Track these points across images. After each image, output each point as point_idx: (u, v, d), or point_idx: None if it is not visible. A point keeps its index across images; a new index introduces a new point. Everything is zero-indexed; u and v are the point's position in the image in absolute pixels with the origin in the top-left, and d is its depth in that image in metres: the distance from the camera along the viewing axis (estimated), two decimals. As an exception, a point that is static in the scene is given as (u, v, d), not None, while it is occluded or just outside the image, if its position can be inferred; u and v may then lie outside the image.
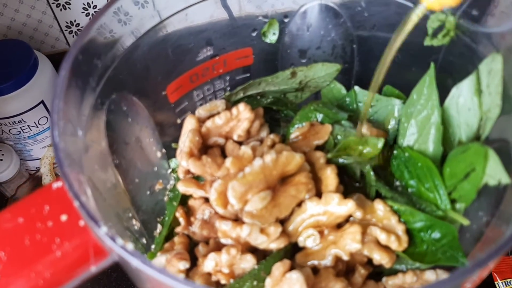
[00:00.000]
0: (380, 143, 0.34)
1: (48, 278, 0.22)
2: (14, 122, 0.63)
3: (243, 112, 0.37)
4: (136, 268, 0.19)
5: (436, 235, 0.32)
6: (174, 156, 0.41)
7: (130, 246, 0.19)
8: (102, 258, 0.23)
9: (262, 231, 0.32)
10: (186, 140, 0.36)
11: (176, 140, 0.39)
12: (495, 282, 0.57)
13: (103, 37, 0.30)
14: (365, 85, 0.39)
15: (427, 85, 0.33)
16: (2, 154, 0.66)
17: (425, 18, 0.34)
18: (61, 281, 0.22)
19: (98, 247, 0.22)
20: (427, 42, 0.34)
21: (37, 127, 0.65)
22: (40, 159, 0.69)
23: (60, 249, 0.22)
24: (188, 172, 0.37)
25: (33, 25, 0.71)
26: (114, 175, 0.31)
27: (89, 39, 0.29)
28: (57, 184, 0.24)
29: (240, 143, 0.39)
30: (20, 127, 0.64)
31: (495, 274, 0.57)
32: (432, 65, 0.33)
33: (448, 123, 0.33)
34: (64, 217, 0.23)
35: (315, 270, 0.33)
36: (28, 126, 0.64)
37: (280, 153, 0.32)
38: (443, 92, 0.34)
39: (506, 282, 0.57)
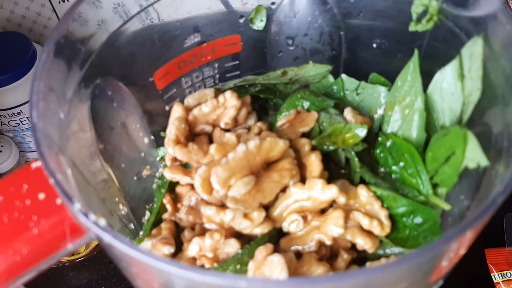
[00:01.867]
0: (363, 131, 0.34)
1: (25, 255, 0.22)
2: (13, 113, 0.64)
3: (229, 99, 0.37)
4: (109, 245, 0.20)
5: (418, 220, 0.32)
6: (163, 144, 0.41)
7: (102, 221, 0.19)
8: (79, 236, 0.23)
9: (245, 216, 0.32)
10: (172, 128, 0.36)
11: (165, 128, 0.40)
12: (491, 274, 0.57)
13: (86, 22, 0.30)
14: (352, 73, 0.39)
15: (410, 71, 0.33)
16: (2, 146, 0.67)
17: (409, 3, 0.34)
18: (38, 257, 0.22)
19: (75, 225, 0.23)
20: (412, 27, 0.34)
21: None
22: None
23: (37, 227, 0.22)
24: (175, 159, 0.37)
25: (32, 18, 0.72)
26: (100, 160, 0.32)
27: (72, 22, 0.29)
28: (36, 164, 0.24)
29: (227, 131, 0.39)
30: (19, 119, 0.65)
31: (491, 266, 0.57)
32: (416, 51, 0.33)
33: (432, 108, 0.33)
34: (42, 196, 0.23)
35: (299, 254, 0.33)
36: (27, 117, 0.65)
37: (263, 139, 0.32)
38: (429, 78, 0.34)
39: (502, 274, 0.57)
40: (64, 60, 0.29)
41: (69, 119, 0.28)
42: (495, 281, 0.56)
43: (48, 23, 0.73)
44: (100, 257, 0.66)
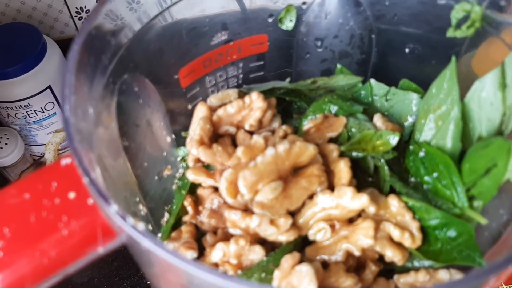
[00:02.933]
0: (395, 138, 0.33)
1: (53, 257, 0.21)
2: (21, 106, 0.63)
3: (255, 101, 0.36)
4: (147, 250, 0.19)
5: (452, 233, 0.31)
6: (183, 144, 0.40)
7: (141, 225, 0.18)
8: (110, 239, 0.22)
9: (272, 222, 0.32)
10: (196, 128, 0.35)
11: (186, 128, 0.39)
12: (500, 287, 0.56)
13: (117, 16, 0.30)
14: (381, 78, 0.39)
15: (447, 79, 0.32)
16: (7, 138, 0.66)
17: (449, 8, 0.33)
18: (66, 261, 0.21)
19: (107, 227, 0.22)
20: (450, 33, 0.34)
21: (43, 112, 0.65)
22: (45, 144, 0.69)
23: (67, 228, 0.21)
24: (198, 160, 0.36)
25: (43, 10, 0.71)
26: (123, 158, 0.31)
27: (104, 15, 0.28)
28: (66, 161, 0.24)
29: (251, 133, 0.38)
30: (26, 112, 0.64)
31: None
32: (453, 58, 0.32)
33: (468, 118, 0.33)
34: (72, 195, 0.22)
35: (325, 265, 0.33)
36: (35, 111, 0.64)
37: (293, 143, 0.32)
38: (464, 87, 0.33)
39: (512, 287, 0.56)
40: (94, 53, 0.28)
41: (97, 115, 0.28)
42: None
43: (59, 15, 0.72)
44: (104, 255, 0.65)
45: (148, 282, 0.62)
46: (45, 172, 0.23)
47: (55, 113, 0.66)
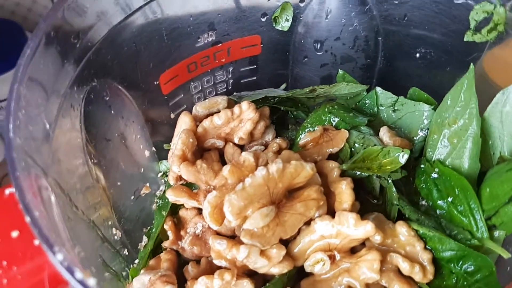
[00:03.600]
0: (405, 156, 0.30)
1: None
2: (2, 107, 0.59)
3: (246, 111, 0.33)
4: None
5: (469, 268, 0.27)
6: (166, 158, 0.37)
7: (91, 281, 0.15)
8: (61, 290, 0.18)
9: (262, 253, 0.28)
10: (178, 142, 0.32)
11: (169, 140, 0.35)
12: None
13: (84, 11, 0.26)
14: (389, 86, 0.35)
15: (464, 89, 0.29)
16: None
17: (467, 9, 0.29)
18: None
19: (56, 274, 0.18)
20: (468, 37, 0.30)
21: None
22: None
23: (7, 275, 0.17)
24: (179, 178, 0.33)
25: (27, 5, 0.67)
26: (91, 179, 0.27)
27: (68, 11, 0.24)
28: (10, 190, 0.20)
29: (241, 147, 0.35)
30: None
31: None
32: (471, 66, 0.28)
33: (488, 134, 0.29)
34: (15, 234, 0.18)
35: (323, 301, 0.29)
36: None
37: (287, 163, 0.28)
38: (483, 98, 0.30)
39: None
40: (54, 56, 0.24)
41: (56, 130, 0.24)
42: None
43: (44, 11, 0.68)
44: None
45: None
46: (-16, 204, 0.20)
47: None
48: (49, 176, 0.22)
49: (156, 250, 0.34)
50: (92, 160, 0.28)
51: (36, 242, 0.18)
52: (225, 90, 0.38)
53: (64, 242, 0.19)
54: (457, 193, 0.29)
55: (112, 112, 0.29)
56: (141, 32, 0.30)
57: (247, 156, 0.30)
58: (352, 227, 0.28)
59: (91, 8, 0.27)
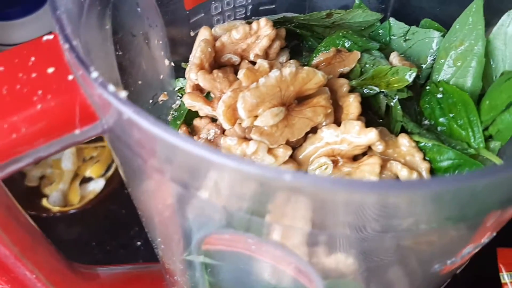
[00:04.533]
0: (412, 75, 0.32)
1: (23, 134, 0.20)
2: None
3: (263, 28, 0.35)
4: (129, 124, 0.18)
5: (464, 176, 0.30)
6: (182, 76, 0.39)
7: (123, 93, 0.17)
8: (89, 122, 0.21)
9: (269, 151, 0.31)
10: (197, 50, 0.34)
11: (187, 60, 0.38)
12: (500, 273, 0.55)
13: None
14: (402, 17, 0.37)
15: (473, 12, 0.31)
16: None
17: None
18: (38, 139, 0.20)
19: (86, 107, 0.21)
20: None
21: None
22: None
23: (42, 103, 0.20)
24: (196, 87, 0.35)
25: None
26: (115, 69, 0.30)
27: None
28: (48, 37, 0.22)
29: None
30: None
31: (501, 265, 0.55)
32: (482, -10, 0.31)
33: (492, 56, 0.31)
34: (51, 70, 0.21)
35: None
36: None
37: (301, 68, 0.31)
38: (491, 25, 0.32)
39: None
40: None
41: (88, 12, 0.26)
42: (503, 281, 0.54)
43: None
44: (94, 211, 0.64)
45: (138, 243, 0.61)
46: (24, 47, 0.23)
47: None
48: (81, 39, 0.24)
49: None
50: (117, 52, 0.30)
51: (70, 77, 0.21)
52: (244, 16, 0.41)
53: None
54: (458, 108, 0.31)
55: (139, 9, 0.32)
56: None
57: (262, 62, 0.32)
58: (356, 134, 0.31)
59: None
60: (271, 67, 0.32)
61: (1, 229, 0.22)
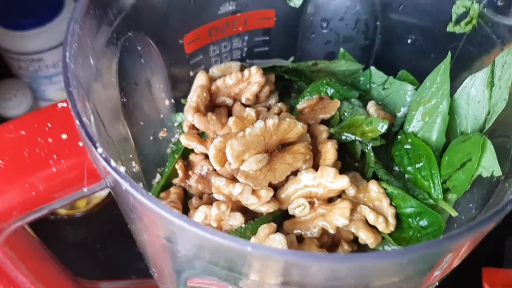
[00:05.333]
0: (384, 126, 0.36)
1: (41, 191, 0.24)
2: (33, 59, 0.65)
3: (254, 75, 0.39)
4: (126, 193, 0.22)
5: (424, 222, 0.34)
6: (182, 111, 0.43)
7: (122, 168, 0.22)
8: (95, 181, 0.25)
9: (253, 192, 0.35)
10: (194, 95, 0.38)
11: (187, 96, 0.42)
12: None
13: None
14: (383, 66, 0.41)
15: (441, 73, 0.35)
16: (17, 90, 0.69)
17: (451, 3, 0.35)
18: (53, 196, 0.25)
19: (93, 170, 0.25)
20: (450, 28, 0.36)
21: (55, 68, 0.67)
22: (53, 101, 0.71)
23: (57, 166, 0.24)
24: (192, 127, 0.39)
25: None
26: (120, 113, 0.34)
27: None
28: (62, 104, 0.27)
29: (247, 106, 0.41)
30: (38, 65, 0.66)
31: (485, 285, 0.58)
32: (449, 53, 0.34)
33: (456, 113, 0.35)
34: (64, 136, 0.25)
35: (301, 238, 0.36)
36: (47, 65, 0.66)
37: (282, 119, 0.34)
38: (458, 81, 0.36)
39: (495, 293, 0.58)
40: (100, 6, 0.31)
41: (98, 67, 0.31)
42: (487, 300, 0.58)
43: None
44: (99, 215, 0.68)
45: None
46: (42, 113, 0.27)
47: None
48: (91, 101, 0.29)
49: (167, 187, 0.41)
50: (122, 99, 0.34)
51: (80, 143, 0.25)
52: (240, 56, 0.45)
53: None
54: (423, 160, 0.35)
55: (142, 61, 0.36)
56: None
57: (249, 111, 0.36)
58: (331, 179, 0.35)
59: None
60: (257, 115, 0.36)
61: (22, 262, 0.27)
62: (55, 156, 0.25)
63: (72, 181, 0.25)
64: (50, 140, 0.25)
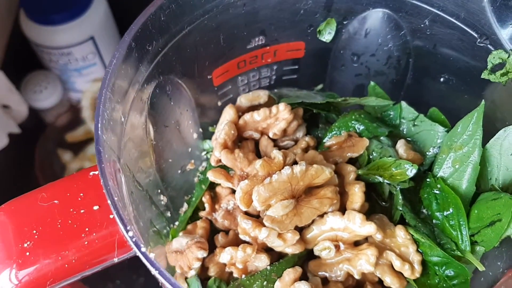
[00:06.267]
0: (413, 171, 0.35)
1: (73, 263, 0.25)
2: (63, 53, 0.67)
3: (282, 112, 0.39)
4: (155, 274, 0.22)
5: (450, 272, 0.34)
6: (209, 137, 0.43)
7: (151, 255, 0.22)
8: (126, 251, 0.26)
9: (279, 236, 0.35)
10: (221, 132, 0.38)
11: (215, 122, 0.42)
12: None
13: (156, 24, 0.32)
14: (413, 100, 0.40)
15: (473, 121, 0.34)
16: (48, 83, 0.71)
17: (487, 52, 0.34)
18: (85, 266, 0.25)
19: (123, 242, 0.25)
20: (485, 75, 0.35)
21: (84, 61, 0.69)
22: (82, 92, 0.73)
23: (88, 238, 0.25)
24: (219, 161, 0.40)
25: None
26: (150, 157, 0.34)
27: (142, 27, 0.31)
28: (94, 172, 0.27)
29: (274, 140, 0.41)
30: (68, 59, 0.67)
31: None
32: (482, 102, 0.33)
33: (488, 161, 0.34)
34: (96, 207, 0.26)
35: (325, 280, 0.36)
36: (76, 59, 0.68)
37: (310, 165, 0.34)
38: (490, 129, 0.35)
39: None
40: (132, 61, 0.31)
41: (128, 121, 0.31)
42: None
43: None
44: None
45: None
46: (73, 180, 0.27)
47: (95, 64, 0.70)
48: (121, 160, 0.29)
49: (193, 216, 0.42)
50: (152, 142, 0.35)
51: (111, 216, 0.26)
52: (268, 84, 0.44)
53: (130, 215, 0.27)
54: (451, 209, 0.34)
55: (172, 103, 0.36)
56: (202, 37, 0.36)
57: (277, 154, 0.36)
58: (358, 225, 0.35)
59: (162, 22, 0.33)
60: (285, 158, 0.36)
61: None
62: (87, 229, 0.25)
63: (103, 252, 0.26)
64: (82, 211, 0.26)
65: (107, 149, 0.26)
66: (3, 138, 0.61)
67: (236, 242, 0.38)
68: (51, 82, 0.71)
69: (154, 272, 0.22)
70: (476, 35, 0.34)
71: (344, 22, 0.39)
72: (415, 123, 0.40)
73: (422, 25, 0.37)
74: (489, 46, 0.33)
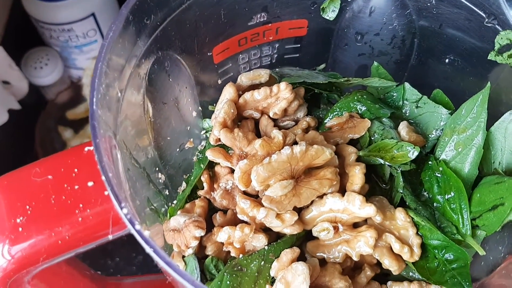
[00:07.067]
0: (415, 153, 0.34)
1: (66, 240, 0.24)
2: (64, 29, 0.66)
3: (283, 91, 0.38)
4: (148, 251, 0.22)
5: (450, 256, 0.33)
6: (209, 116, 0.42)
7: (146, 233, 0.21)
8: (121, 229, 0.25)
9: (278, 216, 0.34)
10: (221, 111, 0.37)
11: (215, 100, 0.41)
12: None
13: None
14: (417, 81, 0.39)
15: (478, 104, 0.33)
16: (48, 59, 0.70)
17: (494, 32, 0.33)
18: (78, 243, 0.25)
19: (118, 218, 0.25)
20: (491, 56, 0.34)
21: (85, 38, 0.68)
22: (83, 69, 0.72)
23: (82, 214, 0.24)
24: (218, 140, 0.39)
25: None
26: (146, 134, 0.34)
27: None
28: (89, 148, 0.26)
29: (274, 120, 0.40)
30: (69, 36, 0.67)
31: None
32: (488, 84, 0.32)
33: (492, 144, 0.34)
34: (90, 183, 0.25)
35: (323, 261, 0.36)
36: (77, 36, 0.67)
37: (310, 146, 0.34)
38: (494, 110, 0.34)
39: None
40: (129, 35, 0.30)
41: (125, 97, 0.30)
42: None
43: None
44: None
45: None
46: (68, 156, 0.26)
47: (96, 41, 0.69)
48: (118, 136, 0.28)
49: (192, 195, 0.41)
50: (150, 119, 0.34)
51: (106, 192, 0.25)
52: (269, 63, 0.43)
53: (126, 192, 0.26)
54: (453, 193, 0.34)
55: (170, 80, 0.35)
56: (202, 12, 0.35)
57: (277, 134, 0.35)
58: (357, 207, 0.34)
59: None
60: (284, 138, 0.35)
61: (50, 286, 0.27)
62: (81, 205, 0.24)
63: (97, 229, 0.25)
64: (76, 187, 0.25)
65: (102, 124, 0.25)
66: (3, 114, 0.60)
67: (234, 221, 0.37)
68: (52, 59, 0.70)
69: (148, 250, 0.21)
70: (484, 15, 0.33)
71: (349, 0, 0.38)
72: (418, 105, 0.39)
73: (428, 4, 0.35)
74: (497, 26, 0.32)
